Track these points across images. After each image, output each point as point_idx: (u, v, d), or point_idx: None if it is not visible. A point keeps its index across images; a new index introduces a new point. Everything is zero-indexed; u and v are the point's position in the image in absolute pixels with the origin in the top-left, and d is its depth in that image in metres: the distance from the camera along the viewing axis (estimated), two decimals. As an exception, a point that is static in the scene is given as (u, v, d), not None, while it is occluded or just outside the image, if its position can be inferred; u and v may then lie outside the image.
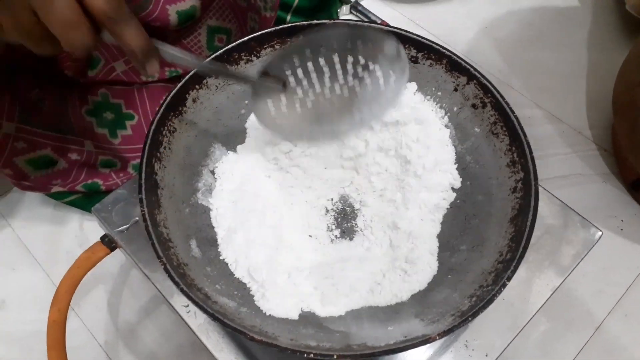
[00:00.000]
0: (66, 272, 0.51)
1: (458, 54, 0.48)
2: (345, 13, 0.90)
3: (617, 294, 0.68)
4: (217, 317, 0.35)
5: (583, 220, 0.54)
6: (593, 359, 0.63)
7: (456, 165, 0.49)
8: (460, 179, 0.48)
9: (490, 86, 0.46)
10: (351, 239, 0.49)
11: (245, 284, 0.44)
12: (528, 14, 0.95)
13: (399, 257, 0.45)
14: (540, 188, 0.45)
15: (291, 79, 0.42)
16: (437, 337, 0.36)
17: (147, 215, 0.38)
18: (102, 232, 0.53)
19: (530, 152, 0.43)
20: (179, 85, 0.45)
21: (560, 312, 0.65)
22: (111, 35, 0.33)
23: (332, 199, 0.51)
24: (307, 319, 0.42)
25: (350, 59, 0.41)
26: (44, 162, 0.63)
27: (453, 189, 0.48)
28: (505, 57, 0.89)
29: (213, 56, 0.46)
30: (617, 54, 0.87)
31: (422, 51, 0.49)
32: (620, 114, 0.71)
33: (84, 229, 0.71)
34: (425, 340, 0.36)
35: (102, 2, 0.31)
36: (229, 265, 0.44)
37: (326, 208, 0.50)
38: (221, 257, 0.44)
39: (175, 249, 0.40)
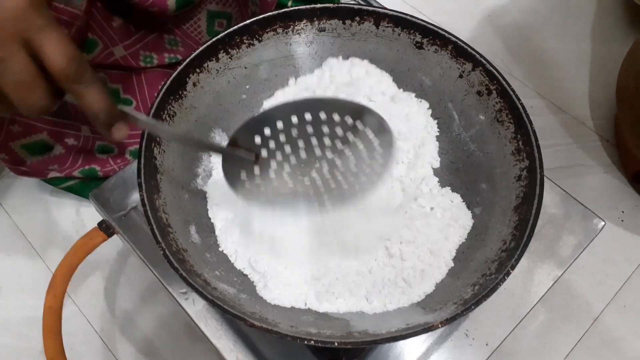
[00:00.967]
0: (63, 258, 0.50)
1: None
2: (346, -3, 0.88)
3: (616, 285, 0.68)
4: (216, 303, 0.35)
5: (586, 210, 0.54)
6: (591, 349, 0.63)
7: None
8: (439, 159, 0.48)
9: (496, 73, 0.45)
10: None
11: (245, 274, 0.43)
12: (532, 2, 0.94)
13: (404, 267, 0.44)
14: (543, 177, 0.44)
15: (263, 151, 0.38)
16: (440, 325, 0.35)
17: (146, 200, 0.38)
18: (99, 218, 0.53)
19: (536, 140, 0.42)
20: (180, 68, 0.44)
21: (559, 303, 0.65)
22: (73, 98, 0.30)
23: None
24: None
25: (326, 130, 0.37)
26: (40, 147, 0.62)
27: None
28: (508, 45, 0.88)
29: (214, 39, 0.45)
30: (621, 44, 0.86)
31: (427, 37, 0.48)
32: (624, 105, 0.70)
33: (80, 215, 0.70)
34: (427, 328, 0.35)
35: (63, 63, 0.28)
36: (228, 256, 0.43)
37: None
38: (220, 249, 0.44)
39: (175, 234, 0.39)
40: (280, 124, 0.37)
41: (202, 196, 0.46)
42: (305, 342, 0.34)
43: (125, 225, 0.50)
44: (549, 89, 0.84)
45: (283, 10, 0.48)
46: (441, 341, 0.47)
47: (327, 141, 0.38)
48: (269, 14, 0.47)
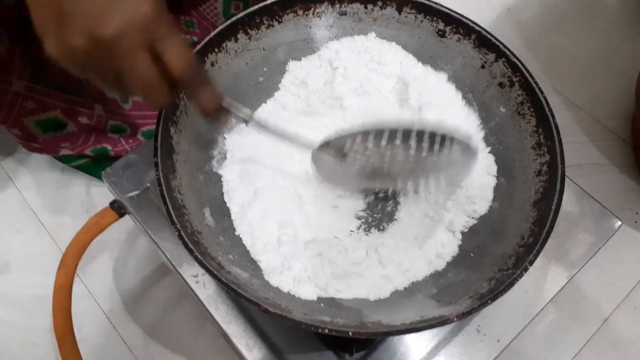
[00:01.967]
0: (74, 237, 0.50)
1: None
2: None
3: (627, 287, 0.67)
4: (231, 286, 0.34)
5: (602, 209, 0.53)
6: (600, 351, 0.63)
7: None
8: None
9: (519, 65, 0.44)
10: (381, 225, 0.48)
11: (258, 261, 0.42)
12: (552, -3, 0.92)
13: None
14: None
15: (351, 153, 0.42)
16: (456, 319, 0.35)
17: (162, 180, 0.37)
18: (109, 198, 0.52)
19: (558, 135, 0.42)
20: (198, 47, 0.43)
21: (569, 303, 0.65)
22: (187, 97, 0.36)
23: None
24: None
25: (413, 143, 0.41)
26: (53, 124, 0.62)
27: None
28: (527, 40, 0.87)
29: (234, 19, 0.45)
30: (641, 43, 0.85)
31: (450, 25, 0.47)
32: (643, 103, 0.69)
33: (90, 194, 0.70)
34: (443, 322, 0.35)
35: (182, 68, 0.32)
36: (243, 241, 0.43)
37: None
38: (236, 233, 0.43)
39: (190, 216, 0.39)
40: (371, 136, 0.41)
41: (216, 179, 0.45)
42: (320, 330, 0.33)
43: (137, 205, 0.49)
44: (566, 85, 0.82)
45: (304, -8, 0.47)
46: (452, 336, 0.47)
47: (411, 153, 0.42)
48: (290, -5, 0.47)
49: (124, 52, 0.30)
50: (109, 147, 0.66)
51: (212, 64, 0.45)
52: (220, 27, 0.44)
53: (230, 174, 0.45)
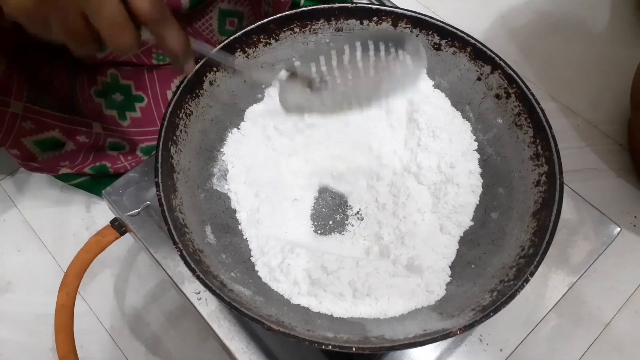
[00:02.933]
0: (75, 256, 0.50)
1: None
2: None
3: (628, 291, 0.67)
4: (234, 305, 0.34)
5: (601, 215, 0.53)
6: (602, 355, 0.63)
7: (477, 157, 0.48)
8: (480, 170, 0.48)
9: (515, 76, 0.45)
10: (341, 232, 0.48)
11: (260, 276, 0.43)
12: (546, 4, 0.93)
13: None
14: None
15: (317, 77, 0.41)
16: (459, 332, 0.35)
17: (163, 200, 0.37)
18: (109, 215, 0.52)
19: (556, 145, 0.42)
20: (197, 67, 0.43)
21: (570, 309, 0.65)
22: (154, 37, 0.34)
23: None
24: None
25: (371, 52, 0.40)
26: (52, 143, 0.62)
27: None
28: (521, 47, 0.88)
29: (232, 38, 0.45)
30: (636, 47, 0.86)
31: (446, 38, 0.47)
32: (638, 109, 0.70)
33: (90, 212, 0.70)
34: (446, 335, 0.35)
35: (148, 5, 0.32)
36: (249, 245, 0.44)
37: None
38: (244, 237, 0.44)
39: (191, 234, 0.39)
40: (333, 52, 0.40)
41: (217, 196, 0.45)
42: (323, 347, 0.34)
43: (138, 223, 0.49)
44: (562, 91, 0.83)
45: (301, 9, 0.47)
46: (455, 346, 0.47)
47: (370, 60, 0.41)
48: (286, 13, 0.47)
49: None
50: (108, 165, 0.66)
51: (211, 83, 0.45)
52: (219, 47, 0.44)
53: (235, 183, 0.46)
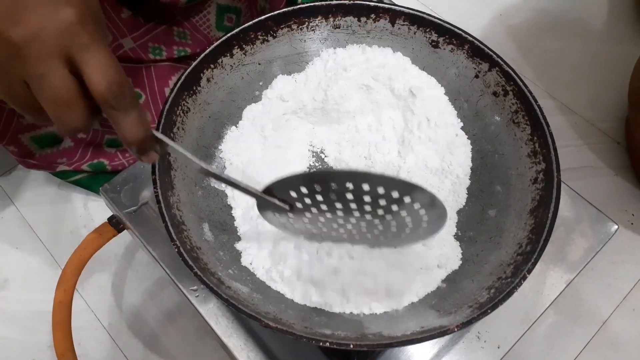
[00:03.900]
0: (72, 253, 0.50)
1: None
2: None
3: (625, 289, 0.67)
4: (231, 302, 0.34)
5: (598, 213, 0.53)
6: (599, 353, 0.63)
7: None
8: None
9: (513, 74, 0.45)
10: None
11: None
12: (544, 2, 0.93)
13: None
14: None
15: (298, 204, 0.37)
16: (456, 329, 0.35)
17: (160, 197, 0.37)
18: (106, 213, 0.52)
19: (553, 143, 0.42)
20: (194, 64, 0.43)
21: (568, 306, 0.65)
22: (109, 120, 0.29)
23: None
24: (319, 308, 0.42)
25: (367, 199, 0.35)
26: (49, 139, 0.62)
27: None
28: (519, 45, 0.88)
29: (229, 35, 0.45)
30: (634, 45, 0.86)
31: (444, 35, 0.47)
32: (636, 107, 0.70)
33: (88, 209, 0.70)
34: (443, 332, 0.35)
35: (104, 86, 0.27)
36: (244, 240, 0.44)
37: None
38: (238, 233, 0.44)
39: (189, 232, 0.39)
40: (318, 187, 0.35)
41: (214, 193, 0.45)
42: (321, 343, 0.34)
43: (136, 221, 0.49)
44: (560, 89, 0.83)
45: (298, 6, 0.47)
46: (453, 343, 0.47)
47: (367, 208, 0.36)
48: (284, 10, 0.47)
49: (34, 59, 0.25)
50: (106, 162, 0.66)
51: (208, 80, 0.45)
52: (215, 44, 0.44)
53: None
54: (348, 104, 0.49)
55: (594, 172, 0.76)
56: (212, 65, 0.45)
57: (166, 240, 0.48)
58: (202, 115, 0.45)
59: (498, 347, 0.47)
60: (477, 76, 0.47)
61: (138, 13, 0.61)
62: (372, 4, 0.48)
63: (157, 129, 0.40)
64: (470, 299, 0.39)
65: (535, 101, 0.44)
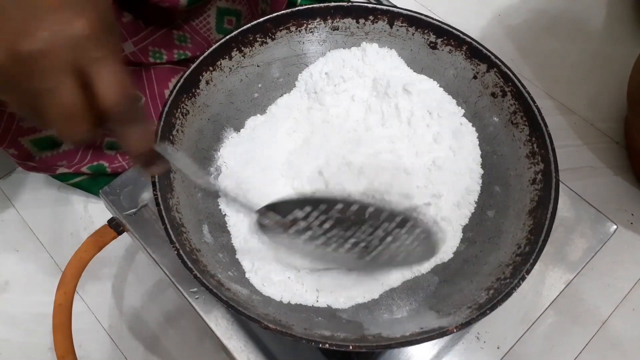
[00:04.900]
0: (73, 256, 0.50)
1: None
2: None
3: (625, 289, 0.67)
4: (231, 304, 0.34)
5: (598, 213, 0.54)
6: (599, 353, 0.63)
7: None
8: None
9: (511, 75, 0.45)
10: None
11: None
12: (542, 2, 0.93)
13: None
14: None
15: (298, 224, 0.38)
16: (455, 330, 0.35)
17: (160, 199, 0.37)
18: (106, 215, 0.52)
19: (552, 143, 0.42)
20: (193, 66, 0.43)
21: (567, 307, 0.65)
22: (115, 133, 0.29)
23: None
24: (319, 308, 0.42)
25: (365, 228, 0.37)
26: (49, 142, 0.62)
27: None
28: (518, 45, 0.88)
29: (228, 37, 0.45)
30: (632, 45, 0.86)
31: (442, 37, 0.47)
32: (635, 107, 0.70)
33: (88, 211, 0.70)
34: (442, 333, 0.35)
35: (113, 101, 0.27)
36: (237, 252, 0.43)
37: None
38: (232, 242, 0.44)
39: (188, 234, 0.39)
40: (315, 213, 0.36)
41: (214, 195, 0.45)
42: (320, 345, 0.34)
43: (135, 223, 0.50)
44: (559, 89, 0.83)
45: (297, 8, 0.47)
46: (452, 344, 0.47)
47: (366, 232, 0.37)
48: (282, 12, 0.47)
49: (44, 73, 0.26)
50: (106, 164, 0.66)
51: (207, 82, 0.45)
52: (214, 46, 0.45)
53: (227, 184, 0.45)
54: (347, 113, 0.49)
55: (593, 172, 0.76)
56: (211, 68, 0.45)
57: (166, 242, 0.48)
58: (201, 117, 0.46)
59: (498, 348, 0.47)
60: (475, 77, 0.47)
61: (138, 17, 0.61)
62: (370, 5, 0.48)
63: (157, 131, 0.40)
64: (469, 299, 0.39)
65: (534, 102, 0.44)
